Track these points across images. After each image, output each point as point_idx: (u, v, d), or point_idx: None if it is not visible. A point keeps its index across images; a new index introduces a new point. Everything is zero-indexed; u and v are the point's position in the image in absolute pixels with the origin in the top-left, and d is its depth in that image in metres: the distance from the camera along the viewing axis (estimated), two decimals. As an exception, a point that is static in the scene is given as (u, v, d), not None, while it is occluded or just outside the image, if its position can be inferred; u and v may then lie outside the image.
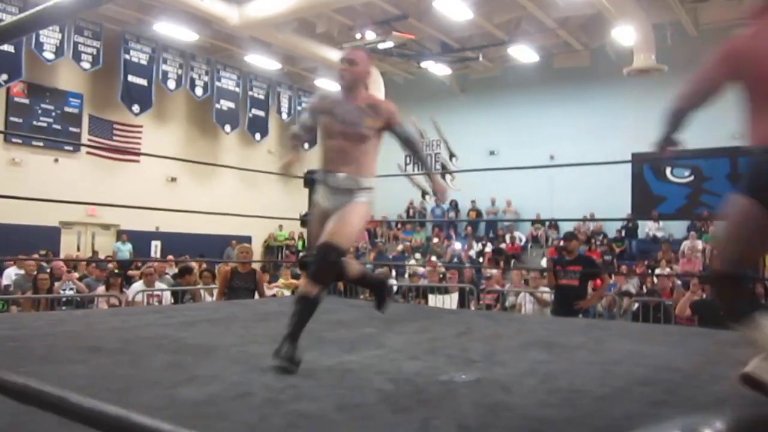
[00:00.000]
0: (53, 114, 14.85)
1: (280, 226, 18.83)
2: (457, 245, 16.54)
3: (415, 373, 2.58)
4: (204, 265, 10.17)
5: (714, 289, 2.34)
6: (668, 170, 15.87)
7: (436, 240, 17.10)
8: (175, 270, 9.97)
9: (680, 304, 6.21)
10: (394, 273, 12.26)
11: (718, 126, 14.71)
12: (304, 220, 5.72)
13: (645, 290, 9.76)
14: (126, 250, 15.14)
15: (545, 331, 4.02)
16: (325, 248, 2.75)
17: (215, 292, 7.32)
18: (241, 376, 2.43)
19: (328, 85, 18.87)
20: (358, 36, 14.48)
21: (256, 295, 6.57)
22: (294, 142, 3.24)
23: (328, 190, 2.95)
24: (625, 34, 13.44)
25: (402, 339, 3.53)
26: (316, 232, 2.94)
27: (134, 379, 2.34)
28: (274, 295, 8.28)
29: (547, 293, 7.53)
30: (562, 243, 7.11)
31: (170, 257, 12.42)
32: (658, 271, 12.08)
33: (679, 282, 9.16)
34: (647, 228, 15.76)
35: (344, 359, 2.85)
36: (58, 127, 14.86)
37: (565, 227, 15.99)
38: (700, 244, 13.63)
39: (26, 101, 14.41)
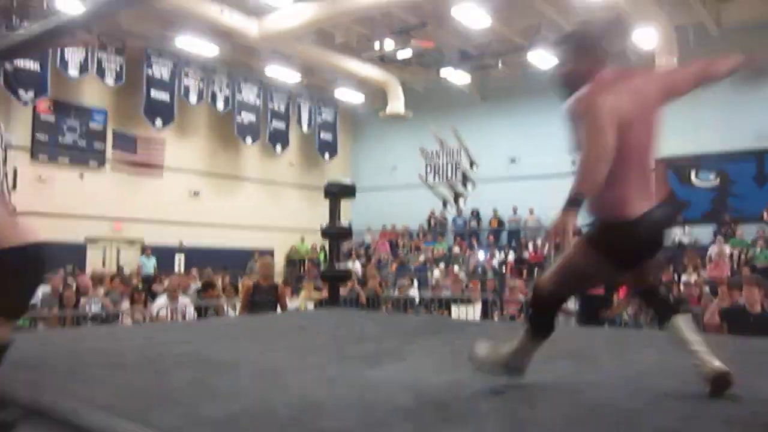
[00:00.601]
0: (78, 130, 15.09)
1: (302, 239, 18.84)
2: (481, 255, 16.43)
3: (439, 388, 2.54)
4: (227, 279, 10.23)
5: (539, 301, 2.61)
6: (692, 174, 15.62)
7: (457, 249, 17.01)
8: (199, 284, 10.04)
9: (708, 311, 6.07)
10: (416, 283, 12.22)
11: (742, 128, 14.52)
12: (326, 232, 5.72)
13: (672, 297, 9.59)
14: (150, 264, 15.27)
15: (570, 341, 3.95)
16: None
17: (238, 305, 7.34)
18: (264, 393, 2.41)
19: (348, 95, 18.96)
20: (376, 45, 14.52)
21: (278, 308, 6.56)
22: None
23: None
24: (645, 37, 13.30)
25: (425, 353, 3.49)
26: None
27: (156, 396, 2.34)
28: (297, 309, 8.29)
29: (570, 302, 7.44)
30: None
31: (193, 271, 12.48)
32: (684, 277, 11.88)
33: (707, 289, 9.00)
34: (673, 233, 15.52)
35: (367, 374, 2.82)
36: (83, 142, 15.09)
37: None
38: (727, 249, 13.38)
39: (52, 118, 14.66)
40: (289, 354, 3.32)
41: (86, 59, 14.24)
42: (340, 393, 2.45)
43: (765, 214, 13.65)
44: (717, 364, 2.35)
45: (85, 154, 15.17)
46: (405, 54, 14.72)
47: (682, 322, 2.50)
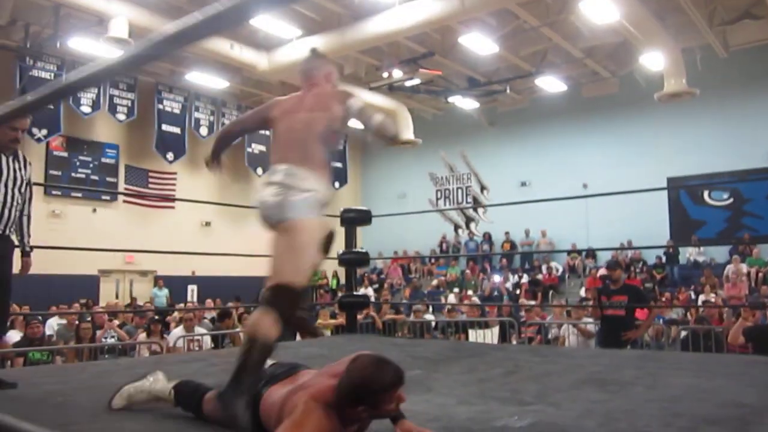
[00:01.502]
0: (91, 165, 15.25)
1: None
2: (497, 278, 16.34)
3: (468, 418, 2.49)
4: (242, 309, 10.20)
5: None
6: (706, 194, 15.55)
7: (468, 272, 16.94)
8: (213, 314, 10.02)
9: (732, 331, 5.97)
10: (431, 309, 12.15)
11: (754, 147, 14.50)
12: (342, 259, 5.70)
13: (690, 317, 9.48)
14: (163, 295, 15.28)
15: (596, 366, 3.89)
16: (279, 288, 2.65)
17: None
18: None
19: (357, 124, 19.08)
20: (385, 75, 14.64)
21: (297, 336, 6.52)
22: None
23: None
24: (654, 59, 13.36)
25: (449, 381, 3.44)
26: None
27: (191, 430, 2.31)
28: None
29: (591, 324, 7.34)
30: (605, 272, 6.94)
31: (209, 301, 12.49)
32: (702, 297, 11.76)
33: (726, 308, 8.88)
34: (688, 253, 15.41)
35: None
36: (96, 177, 15.24)
37: (603, 256, 15.72)
38: (744, 268, 13.25)
39: (65, 154, 14.83)
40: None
41: (98, 96, 14.44)
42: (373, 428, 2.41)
43: (781, 233, 13.54)
44: None
45: (98, 189, 15.30)
46: (413, 83, 14.84)
47: None
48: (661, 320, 8.64)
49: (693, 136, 15.29)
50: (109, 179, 15.48)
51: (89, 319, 8.23)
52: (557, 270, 16.62)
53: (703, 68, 14.03)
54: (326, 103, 2.73)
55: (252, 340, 2.35)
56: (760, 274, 13.14)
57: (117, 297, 15.52)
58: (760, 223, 14.54)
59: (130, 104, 15.11)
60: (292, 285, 2.47)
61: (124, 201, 15.70)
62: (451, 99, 16.82)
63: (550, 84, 16.00)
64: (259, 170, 17.89)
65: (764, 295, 11.49)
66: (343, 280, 12.02)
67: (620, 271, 6.53)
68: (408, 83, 14.80)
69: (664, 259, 15.28)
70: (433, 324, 9.89)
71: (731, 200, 15.22)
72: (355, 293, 6.02)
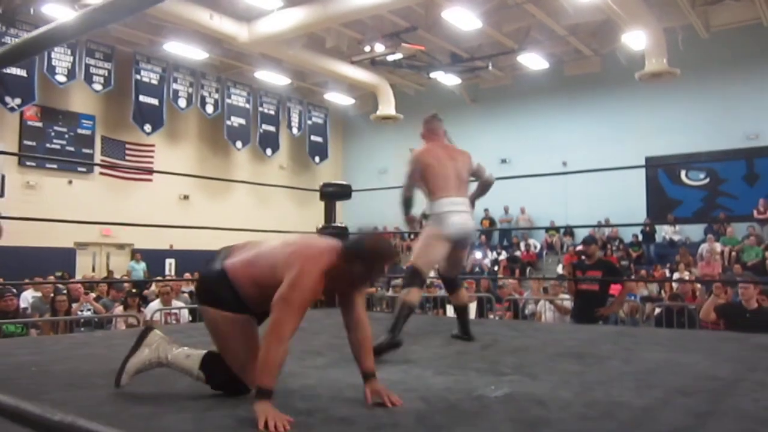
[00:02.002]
0: (66, 136, 14.97)
1: (289, 242, 18.81)
2: (478, 254, 16.43)
3: (446, 389, 2.51)
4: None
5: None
6: (683, 173, 15.72)
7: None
8: (191, 288, 9.96)
9: (705, 308, 6.07)
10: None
11: (732, 128, 14.65)
12: (322, 234, 5.67)
13: (665, 295, 9.63)
14: (140, 269, 15.17)
15: (572, 340, 3.94)
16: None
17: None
18: (269, 396, 2.36)
19: (339, 98, 18.93)
20: (367, 49, 14.50)
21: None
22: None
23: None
24: (636, 39, 13.37)
25: (428, 353, 3.46)
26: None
27: (161, 403, 2.29)
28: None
29: (567, 300, 7.41)
30: (581, 247, 6.99)
31: (187, 275, 12.41)
32: (677, 275, 11.94)
33: (699, 285, 9.03)
34: (664, 232, 15.61)
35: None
36: (72, 149, 14.97)
37: (580, 233, 15.87)
38: (718, 247, 13.46)
39: (39, 124, 14.54)
40: (291, 356, 3.27)
41: (74, 65, 14.13)
42: (346, 396, 2.42)
43: (755, 213, 13.75)
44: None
45: (74, 160, 15.05)
46: (395, 57, 14.72)
47: None
48: (637, 298, 8.77)
49: (672, 116, 15.40)
50: (85, 150, 15.22)
51: (65, 291, 8.13)
52: (535, 247, 16.75)
53: (685, 48, 14.09)
54: (463, 154, 4.13)
55: (405, 304, 3.55)
56: (734, 253, 13.36)
57: (93, 270, 15.39)
58: (735, 203, 14.75)
59: (106, 74, 14.82)
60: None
61: (101, 173, 15.48)
62: (433, 75, 16.74)
63: (533, 61, 15.97)
64: (238, 144, 17.72)
65: (737, 273, 11.69)
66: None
67: (595, 246, 6.58)
68: (390, 58, 14.68)
69: (640, 237, 15.47)
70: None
71: (708, 180, 15.42)
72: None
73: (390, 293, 9.98)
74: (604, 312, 6.17)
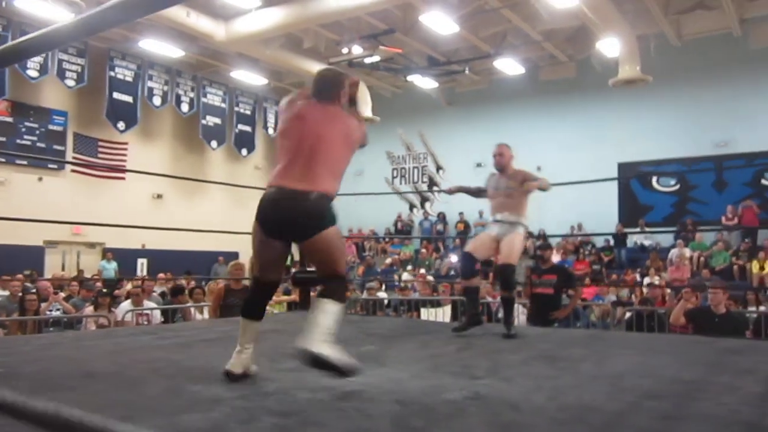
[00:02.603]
0: (37, 132, 14.70)
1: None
2: (454, 258, 16.50)
3: (421, 392, 2.52)
4: (193, 283, 10.07)
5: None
6: (654, 180, 15.97)
7: (423, 251, 17.07)
8: (163, 288, 9.86)
9: (675, 312, 6.20)
10: (384, 287, 12.21)
11: (702, 135, 14.92)
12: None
13: (635, 299, 9.78)
14: (111, 268, 14.95)
15: (545, 343, 3.99)
16: (506, 266, 4.56)
17: (206, 309, 7.23)
18: (245, 400, 2.36)
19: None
20: (345, 51, 14.48)
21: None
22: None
23: (497, 225, 4.70)
24: (610, 45, 13.56)
25: (403, 356, 3.47)
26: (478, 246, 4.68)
27: (134, 406, 2.27)
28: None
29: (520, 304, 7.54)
30: (537, 252, 7.16)
31: (161, 275, 12.29)
32: (647, 279, 12.12)
33: (668, 290, 9.19)
34: (635, 237, 15.83)
35: (347, 380, 2.78)
36: (43, 145, 14.71)
37: (554, 238, 16.04)
38: (687, 252, 13.69)
39: (10, 119, 14.26)
40: (265, 359, 3.27)
41: (46, 60, 13.89)
42: (322, 399, 2.42)
43: (723, 219, 14.02)
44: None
45: (45, 157, 14.80)
46: (373, 60, 14.72)
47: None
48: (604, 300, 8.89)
49: (644, 123, 15.64)
50: (56, 147, 14.97)
51: (34, 290, 7.99)
52: (509, 251, 16.86)
53: (657, 56, 14.33)
54: None
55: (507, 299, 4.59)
56: (702, 258, 13.61)
57: (63, 269, 15.12)
58: (705, 208, 15.02)
59: (80, 70, 14.59)
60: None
61: (72, 170, 15.23)
62: (410, 77, 16.77)
63: (509, 66, 16.10)
64: (213, 143, 17.59)
65: (705, 278, 11.91)
66: (297, 257, 11.96)
67: (551, 251, 6.82)
68: (368, 60, 14.65)
69: (612, 241, 15.67)
70: (386, 302, 9.94)
71: (678, 186, 15.68)
72: (309, 269, 5.99)
73: (365, 296, 9.97)
74: (557, 315, 6.36)
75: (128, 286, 9.79)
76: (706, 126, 14.90)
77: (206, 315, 7.15)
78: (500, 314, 8.75)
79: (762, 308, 8.44)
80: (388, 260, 17.02)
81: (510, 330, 4.31)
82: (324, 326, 2.49)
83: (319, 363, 2.42)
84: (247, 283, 7.03)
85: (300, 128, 2.84)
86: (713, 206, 14.64)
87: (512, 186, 4.80)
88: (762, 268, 12.35)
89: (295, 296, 9.09)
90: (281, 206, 2.68)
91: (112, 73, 15.17)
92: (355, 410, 2.23)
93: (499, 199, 4.82)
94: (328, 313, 2.54)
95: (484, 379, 2.80)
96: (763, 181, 14.53)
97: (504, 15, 13.55)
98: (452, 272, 15.55)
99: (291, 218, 2.66)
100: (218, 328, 4.71)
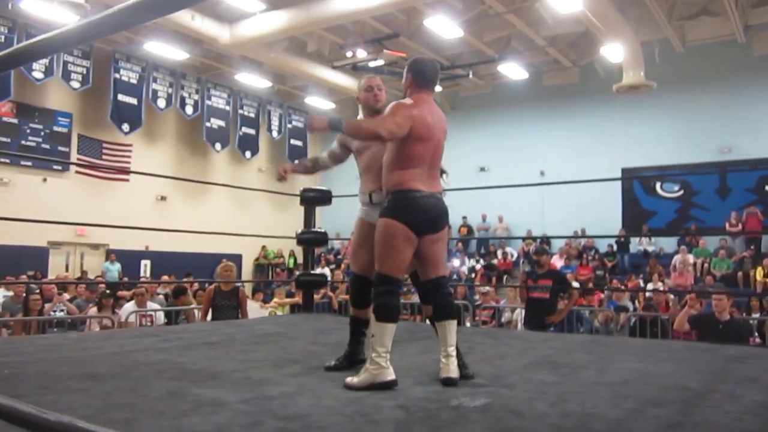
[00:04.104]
0: (42, 133, 14.76)
1: (263, 247, 18.85)
2: (456, 262, 16.51)
3: (425, 398, 2.53)
4: (196, 285, 10.08)
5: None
6: (658, 185, 15.97)
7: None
8: (166, 290, 9.88)
9: (678, 318, 6.20)
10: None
11: (705, 141, 14.91)
12: (300, 239, 5.66)
13: (637, 305, 9.77)
14: (115, 269, 14.99)
15: (548, 349, 3.98)
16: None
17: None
18: (248, 404, 2.36)
19: (319, 102, 18.91)
20: (349, 54, 14.52)
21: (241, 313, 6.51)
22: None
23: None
24: (614, 51, 13.57)
25: (405, 361, 3.47)
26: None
27: (137, 408, 2.28)
28: (270, 314, 8.19)
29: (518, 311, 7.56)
30: (534, 257, 7.20)
31: (164, 277, 12.31)
32: (651, 285, 12.11)
33: (672, 296, 9.19)
34: (638, 242, 15.82)
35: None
36: (47, 146, 14.77)
37: (556, 243, 16.03)
38: (691, 258, 13.68)
39: (15, 121, 14.32)
40: (268, 363, 3.28)
41: (51, 62, 13.94)
42: (325, 404, 2.42)
43: (727, 225, 14.00)
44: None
45: (49, 158, 14.84)
46: (377, 63, 14.75)
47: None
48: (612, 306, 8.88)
49: (648, 128, 15.65)
50: (61, 148, 15.02)
51: (38, 291, 8.02)
52: (512, 255, 16.88)
53: (661, 62, 14.34)
54: None
55: None
56: (705, 265, 13.59)
57: (67, 270, 15.17)
58: (708, 214, 15.02)
59: (85, 72, 14.64)
60: None
61: (77, 172, 15.27)
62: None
63: (512, 71, 16.12)
64: (217, 145, 17.63)
65: (708, 284, 11.90)
66: (300, 260, 11.99)
67: (547, 256, 6.89)
68: (372, 64, 14.70)
69: (615, 247, 15.67)
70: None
71: (681, 192, 15.68)
72: (312, 272, 6.01)
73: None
74: (553, 320, 6.41)
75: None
76: (710, 132, 14.90)
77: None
78: (503, 318, 8.79)
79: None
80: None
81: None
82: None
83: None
84: (237, 284, 7.04)
85: (430, 132, 2.93)
86: (716, 212, 14.64)
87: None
88: (767, 275, 12.32)
89: (298, 299, 9.11)
90: (441, 210, 2.88)
91: (117, 75, 15.23)
92: (359, 416, 2.23)
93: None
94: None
95: (486, 387, 2.79)
96: (767, 188, 14.52)
97: (508, 20, 13.58)
98: (454, 276, 15.55)
99: (444, 222, 2.90)
100: (221, 331, 4.71)
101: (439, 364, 2.79)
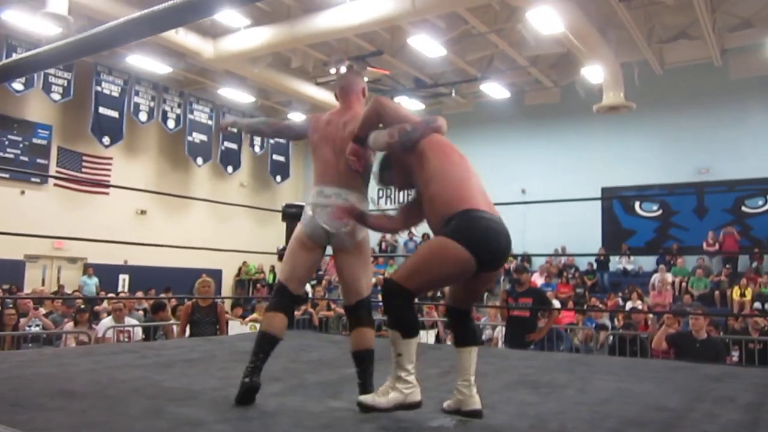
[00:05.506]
0: (21, 145, 14.59)
1: (244, 262, 18.75)
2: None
3: (405, 419, 2.51)
4: (174, 301, 9.97)
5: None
6: (637, 205, 16.16)
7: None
8: (145, 305, 9.76)
9: (656, 337, 6.24)
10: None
11: (684, 162, 15.14)
12: (281, 255, 5.62)
13: (616, 323, 9.82)
14: (92, 284, 14.79)
15: (528, 368, 3.99)
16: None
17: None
18: (227, 424, 2.34)
19: (301, 118, 18.92)
20: (332, 71, 14.57)
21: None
22: None
23: None
24: (594, 72, 13.77)
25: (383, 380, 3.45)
26: None
27: (114, 427, 2.24)
28: (249, 330, 8.12)
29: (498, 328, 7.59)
30: (514, 275, 7.23)
31: (140, 293, 12.16)
32: (630, 304, 12.20)
33: (650, 315, 9.26)
34: (618, 261, 15.96)
35: (330, 405, 2.78)
36: (26, 158, 14.59)
37: (537, 261, 16.12)
38: (669, 277, 13.82)
39: (-7, 132, 14.13)
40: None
41: (32, 74, 13.80)
42: (307, 425, 2.40)
43: (704, 245, 14.18)
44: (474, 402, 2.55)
45: (27, 170, 14.67)
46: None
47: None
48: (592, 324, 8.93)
49: (628, 149, 15.85)
50: (39, 161, 14.84)
51: (12, 305, 7.88)
52: (493, 273, 16.90)
53: (640, 83, 14.55)
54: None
55: None
56: (684, 284, 13.74)
57: (43, 284, 14.91)
58: (686, 234, 15.20)
59: (66, 84, 14.52)
60: None
61: (56, 184, 15.09)
62: (397, 99, 16.87)
63: (495, 90, 16.27)
64: (199, 160, 17.55)
65: (686, 303, 12.01)
66: (281, 275, 11.89)
67: (527, 274, 6.92)
68: (355, 80, 14.74)
69: (595, 265, 15.78)
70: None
71: (660, 212, 15.87)
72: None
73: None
74: (533, 337, 6.43)
75: (104, 304, 9.69)
76: (688, 153, 15.13)
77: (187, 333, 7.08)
78: (484, 335, 8.78)
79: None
80: (373, 280, 16.98)
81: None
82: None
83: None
84: (215, 300, 6.97)
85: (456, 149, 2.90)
86: (694, 232, 14.82)
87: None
88: (743, 294, 12.49)
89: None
90: (508, 235, 2.80)
91: (99, 88, 15.12)
92: (338, 435, 2.21)
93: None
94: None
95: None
96: (744, 208, 14.76)
97: (491, 40, 13.73)
98: (438, 294, 15.52)
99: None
100: (200, 348, 4.66)
101: (459, 395, 2.58)
